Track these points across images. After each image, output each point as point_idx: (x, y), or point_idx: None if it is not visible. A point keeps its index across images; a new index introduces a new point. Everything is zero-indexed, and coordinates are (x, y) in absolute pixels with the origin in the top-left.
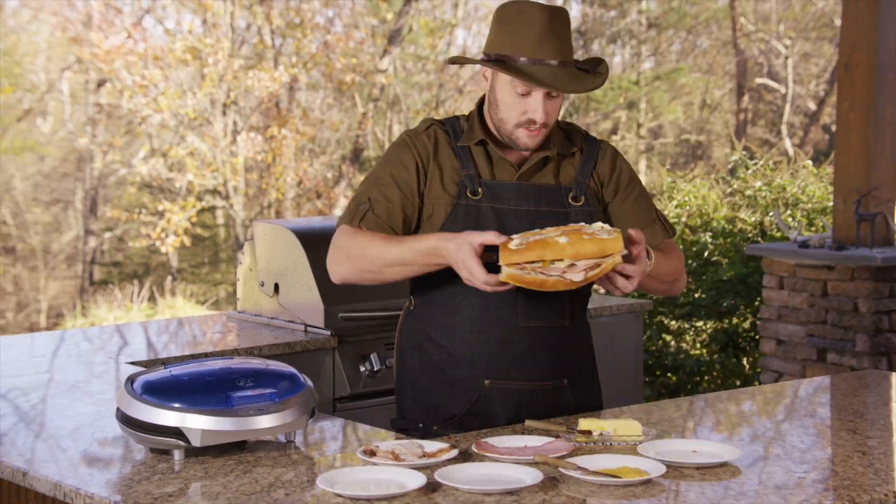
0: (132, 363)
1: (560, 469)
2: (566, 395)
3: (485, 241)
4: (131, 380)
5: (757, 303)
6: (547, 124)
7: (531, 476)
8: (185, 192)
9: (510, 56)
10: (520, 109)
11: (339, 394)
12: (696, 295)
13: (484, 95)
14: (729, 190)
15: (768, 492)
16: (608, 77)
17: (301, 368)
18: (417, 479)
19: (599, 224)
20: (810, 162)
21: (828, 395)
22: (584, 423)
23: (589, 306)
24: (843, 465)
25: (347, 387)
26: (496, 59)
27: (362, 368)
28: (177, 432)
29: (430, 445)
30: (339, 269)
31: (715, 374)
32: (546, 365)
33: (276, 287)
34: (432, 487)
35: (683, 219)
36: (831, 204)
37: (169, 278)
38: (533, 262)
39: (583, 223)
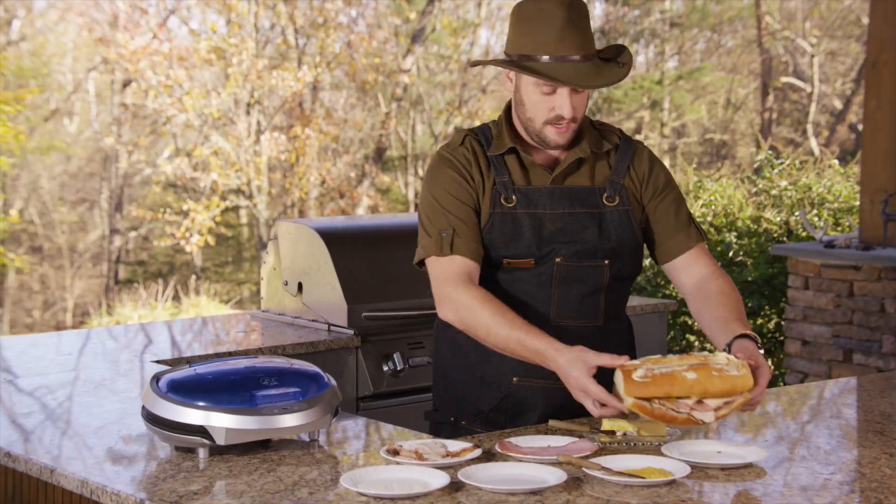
0: (157, 362)
1: (584, 469)
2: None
3: (601, 363)
4: (156, 378)
5: (782, 303)
6: (575, 119)
7: (555, 476)
8: (209, 191)
9: (531, 55)
10: (546, 107)
11: (362, 393)
12: None
13: (510, 99)
14: (754, 189)
15: (794, 493)
16: (632, 65)
17: (324, 368)
18: (441, 479)
19: (724, 356)
20: (836, 161)
21: (854, 397)
22: (608, 424)
23: None
24: (870, 467)
25: (371, 386)
26: (518, 60)
27: (385, 368)
28: (201, 431)
29: (454, 445)
30: (448, 316)
31: None
32: None
33: (300, 286)
34: (456, 487)
35: (709, 218)
36: (858, 203)
37: (193, 277)
38: (659, 397)
39: (707, 353)
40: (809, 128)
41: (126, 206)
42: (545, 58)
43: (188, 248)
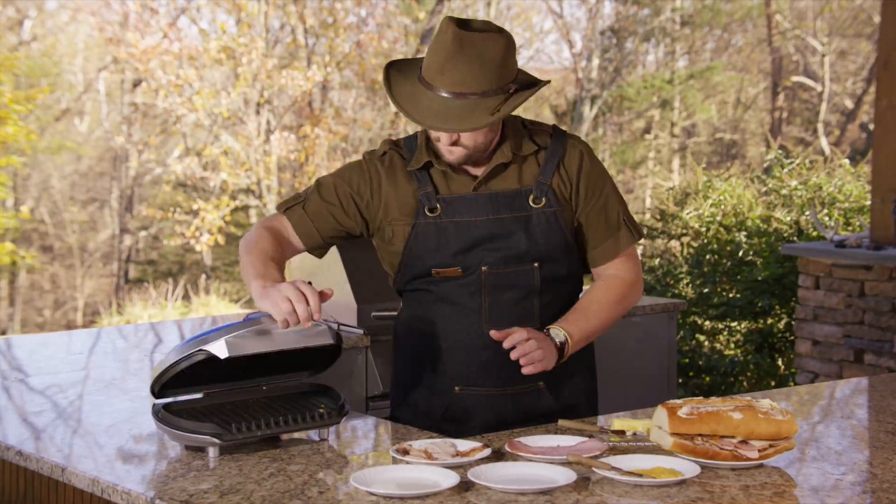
0: None
1: (593, 469)
2: (546, 397)
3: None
4: None
5: (792, 303)
6: (464, 145)
7: (564, 476)
8: (219, 190)
9: (421, 75)
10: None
11: (371, 392)
12: (731, 295)
13: None
14: (764, 189)
15: (804, 493)
16: (508, 112)
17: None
18: (450, 479)
19: (769, 402)
20: (847, 161)
21: (865, 397)
22: (618, 423)
23: None
24: (881, 468)
25: (380, 385)
26: (420, 77)
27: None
28: (204, 355)
29: (464, 445)
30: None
31: (749, 374)
32: (515, 369)
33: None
34: (465, 487)
35: (718, 218)
36: (868, 203)
37: (203, 276)
38: (704, 434)
39: (749, 398)
40: (820, 127)
41: (136, 206)
42: (420, 83)
43: (198, 248)
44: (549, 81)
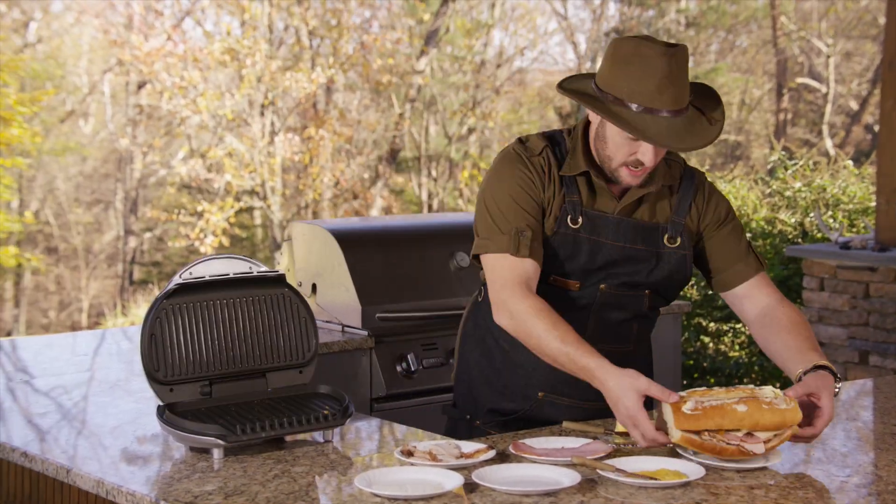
0: None
1: (598, 471)
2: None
3: (652, 394)
4: None
5: (797, 304)
6: (654, 166)
7: (569, 477)
8: (223, 192)
9: (623, 100)
10: (628, 151)
11: (375, 394)
12: None
13: (588, 118)
14: (768, 191)
15: (810, 495)
16: (724, 120)
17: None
18: (455, 480)
19: (772, 390)
20: (851, 162)
21: (871, 399)
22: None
23: None
24: (886, 470)
25: (384, 387)
26: (608, 99)
27: (399, 369)
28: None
29: (468, 446)
30: (503, 322)
31: (754, 376)
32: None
33: (314, 287)
34: (470, 488)
35: None
36: (873, 204)
37: None
38: (710, 429)
39: (752, 387)
40: (825, 129)
41: (141, 208)
42: (635, 106)
43: (202, 249)
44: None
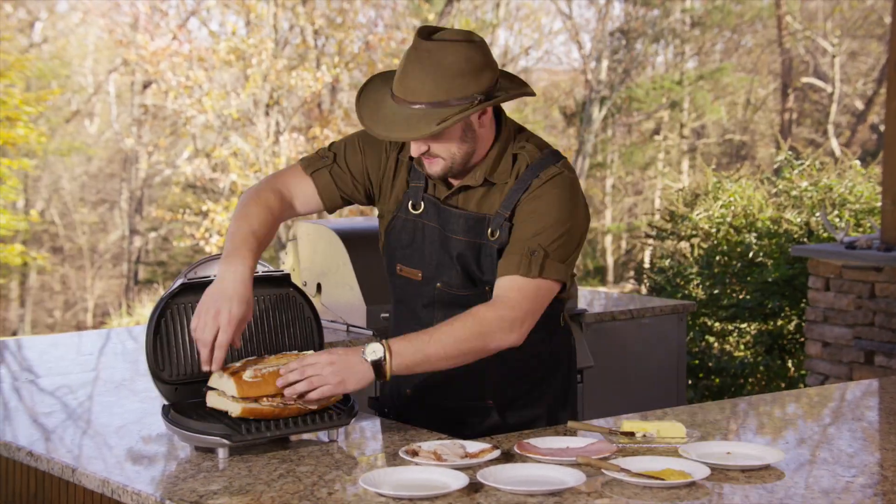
0: None
1: (603, 470)
2: (493, 416)
3: (232, 315)
4: None
5: (802, 304)
6: (435, 155)
7: (574, 477)
8: (228, 192)
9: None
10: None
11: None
12: (741, 296)
13: None
14: (774, 190)
15: (815, 496)
16: (444, 127)
17: None
18: (460, 480)
19: (314, 353)
20: (858, 162)
21: (876, 399)
22: (628, 425)
23: (632, 306)
24: (892, 470)
25: None
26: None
27: None
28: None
29: (472, 446)
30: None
31: (759, 376)
32: (462, 385)
33: (319, 287)
34: (475, 488)
35: (728, 219)
36: (878, 204)
37: None
38: (269, 395)
39: (297, 352)
40: (830, 128)
41: (146, 207)
42: (389, 94)
43: (207, 249)
44: (532, 93)
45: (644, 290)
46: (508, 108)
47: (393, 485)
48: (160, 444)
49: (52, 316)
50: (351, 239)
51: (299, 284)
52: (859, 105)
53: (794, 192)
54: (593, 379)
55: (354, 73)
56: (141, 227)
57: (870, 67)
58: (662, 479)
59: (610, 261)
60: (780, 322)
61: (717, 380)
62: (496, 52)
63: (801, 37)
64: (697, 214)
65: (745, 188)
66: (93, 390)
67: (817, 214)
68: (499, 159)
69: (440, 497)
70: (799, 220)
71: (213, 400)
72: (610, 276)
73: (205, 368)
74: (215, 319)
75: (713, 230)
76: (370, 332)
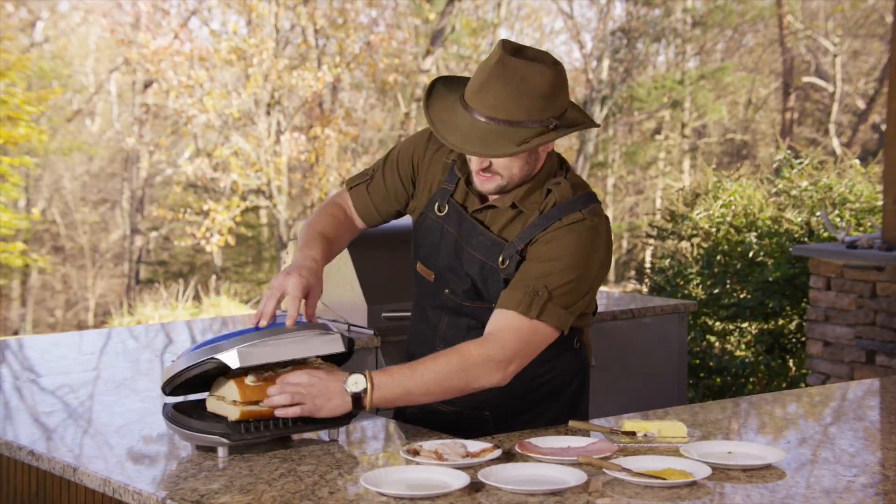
0: None
1: (604, 470)
2: (489, 426)
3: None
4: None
5: (803, 304)
6: (496, 173)
7: (575, 477)
8: (229, 191)
9: (463, 94)
10: (469, 162)
11: None
12: (742, 296)
13: None
14: (774, 190)
15: (816, 495)
16: (526, 149)
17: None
18: (461, 479)
19: (319, 361)
20: (857, 161)
21: (878, 399)
22: (629, 424)
23: (633, 306)
24: (893, 470)
25: None
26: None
27: None
28: (216, 364)
29: (474, 445)
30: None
31: (760, 375)
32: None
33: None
34: (476, 487)
35: (729, 218)
36: (879, 204)
37: (213, 277)
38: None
39: (316, 359)
40: (831, 128)
41: (147, 207)
42: (461, 101)
43: (208, 248)
44: (598, 124)
45: (645, 289)
46: None
47: (394, 484)
48: (161, 444)
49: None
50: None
51: None
52: (861, 104)
53: (794, 192)
54: (594, 379)
55: (355, 72)
56: (142, 227)
57: (871, 67)
58: (664, 479)
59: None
60: (781, 321)
61: (718, 379)
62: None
63: (802, 36)
64: (698, 214)
65: (746, 188)
66: (94, 390)
67: (818, 214)
68: (534, 189)
69: (441, 496)
70: (799, 219)
71: (212, 405)
72: (611, 276)
73: (257, 323)
74: (284, 280)
75: (713, 230)
76: (371, 332)
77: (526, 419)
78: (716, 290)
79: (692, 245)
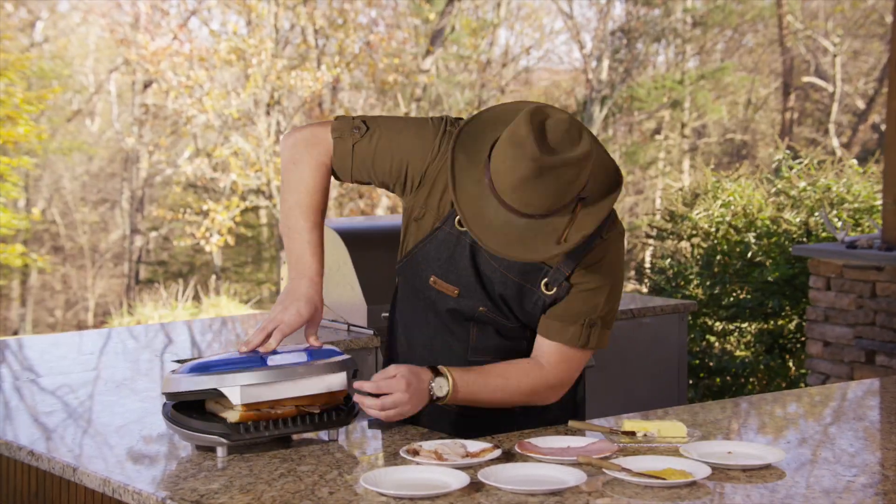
0: (177, 361)
1: (604, 470)
2: (518, 419)
3: (311, 337)
4: (173, 371)
5: (803, 304)
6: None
7: (574, 477)
8: (229, 191)
9: (491, 179)
10: None
11: None
12: (741, 296)
13: None
14: (773, 190)
15: (816, 495)
16: (572, 246)
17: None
18: (461, 479)
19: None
20: (855, 161)
21: (878, 399)
22: (629, 424)
23: (633, 306)
24: (893, 470)
25: None
26: (485, 167)
27: None
28: (217, 395)
29: (473, 445)
30: (284, 141)
31: (760, 376)
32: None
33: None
34: (475, 487)
35: (728, 218)
36: (877, 203)
37: (213, 277)
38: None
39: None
40: (831, 128)
41: (147, 207)
42: (489, 189)
43: (208, 249)
44: (619, 188)
45: (645, 289)
46: None
47: (394, 484)
48: (161, 444)
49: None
50: (351, 238)
51: None
52: (860, 104)
53: (792, 192)
54: (594, 379)
55: (355, 73)
56: (142, 227)
57: (871, 67)
58: (663, 479)
59: None
60: (780, 322)
61: (718, 379)
62: (497, 52)
63: (802, 36)
64: (697, 214)
65: (745, 188)
66: (93, 389)
67: (816, 214)
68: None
69: (441, 496)
70: (798, 219)
71: (211, 405)
72: None
73: (241, 349)
74: (281, 315)
75: (713, 230)
76: (371, 332)
77: (562, 405)
78: (715, 291)
79: (692, 245)
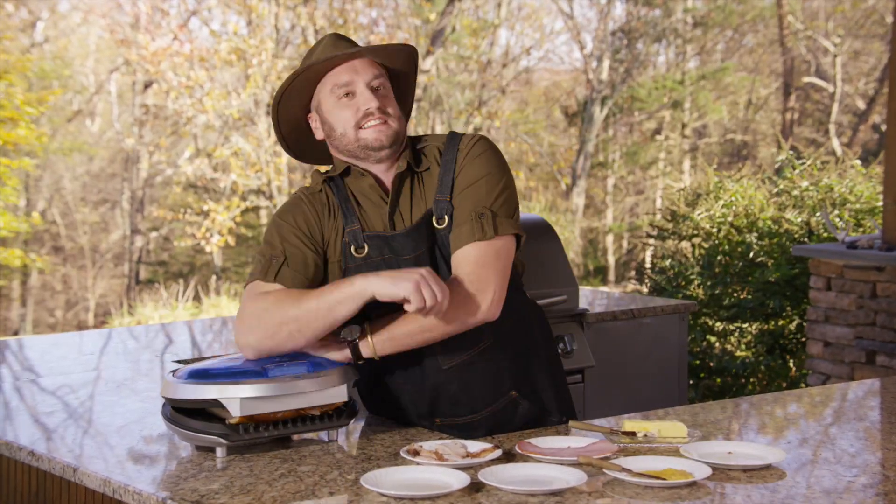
0: (177, 362)
1: (604, 470)
2: (524, 405)
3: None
4: (173, 371)
5: (804, 304)
6: (387, 113)
7: (575, 477)
8: (229, 192)
9: (304, 70)
10: (352, 111)
11: None
12: (742, 296)
13: (315, 134)
14: (775, 190)
15: (816, 496)
16: (415, 53)
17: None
18: (461, 479)
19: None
20: (859, 161)
21: (878, 399)
22: (629, 425)
23: (633, 306)
24: (894, 470)
25: None
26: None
27: None
28: (217, 405)
29: (474, 446)
30: (249, 339)
31: (760, 376)
32: (486, 391)
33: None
34: (476, 487)
35: (729, 219)
36: (879, 204)
37: (213, 277)
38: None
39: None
40: (832, 128)
41: (147, 207)
42: (318, 59)
43: (208, 249)
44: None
45: (645, 289)
46: (509, 104)
47: (394, 484)
48: (161, 444)
49: (53, 315)
50: None
51: None
52: (861, 105)
53: (794, 192)
54: (594, 379)
55: None
56: (142, 227)
57: (871, 67)
58: (664, 479)
59: (611, 260)
60: (781, 322)
61: (719, 380)
62: (497, 53)
63: (802, 36)
64: (698, 214)
65: (747, 188)
66: (94, 390)
67: (818, 214)
68: (416, 154)
69: (441, 497)
70: (799, 220)
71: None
72: (611, 276)
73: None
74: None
75: (714, 230)
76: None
77: (545, 384)
78: (716, 291)
79: (693, 245)
